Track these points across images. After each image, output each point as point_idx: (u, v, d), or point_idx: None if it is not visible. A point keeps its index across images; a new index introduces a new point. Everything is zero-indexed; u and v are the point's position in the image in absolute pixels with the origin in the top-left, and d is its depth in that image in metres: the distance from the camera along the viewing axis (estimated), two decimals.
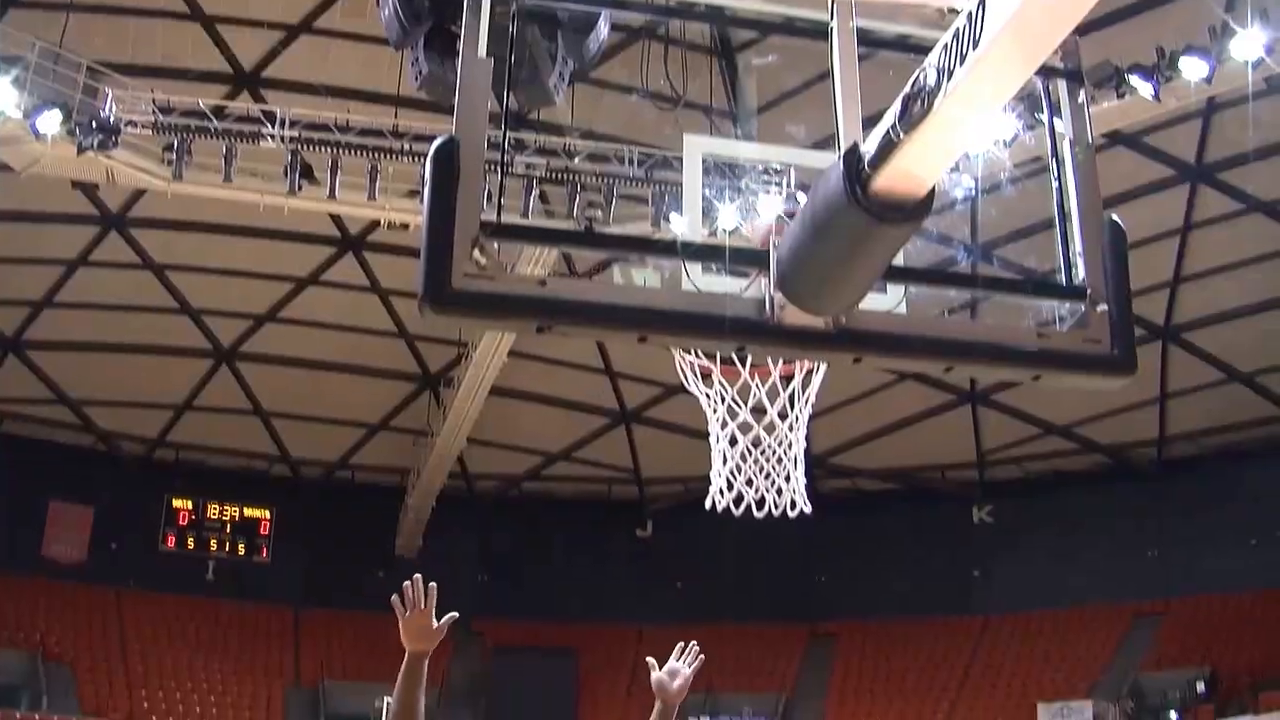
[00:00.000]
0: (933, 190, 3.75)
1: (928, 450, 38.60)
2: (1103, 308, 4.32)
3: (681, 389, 34.12)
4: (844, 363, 4.39)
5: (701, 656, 5.26)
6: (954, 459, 39.31)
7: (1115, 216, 4.49)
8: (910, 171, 3.70)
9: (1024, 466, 39.06)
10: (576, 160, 24.59)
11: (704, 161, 4.63)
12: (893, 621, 38.70)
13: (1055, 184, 4.54)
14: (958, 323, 4.41)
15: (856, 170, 3.74)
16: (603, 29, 12.03)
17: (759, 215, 4.44)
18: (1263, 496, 34.38)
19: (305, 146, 23.97)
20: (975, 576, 38.68)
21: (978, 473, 39.46)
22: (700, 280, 4.17)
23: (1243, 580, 34.77)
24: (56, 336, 34.54)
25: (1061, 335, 4.34)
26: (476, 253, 3.91)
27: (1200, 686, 31.65)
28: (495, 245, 3.99)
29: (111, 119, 22.91)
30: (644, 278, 4.38)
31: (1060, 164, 4.52)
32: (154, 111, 23.46)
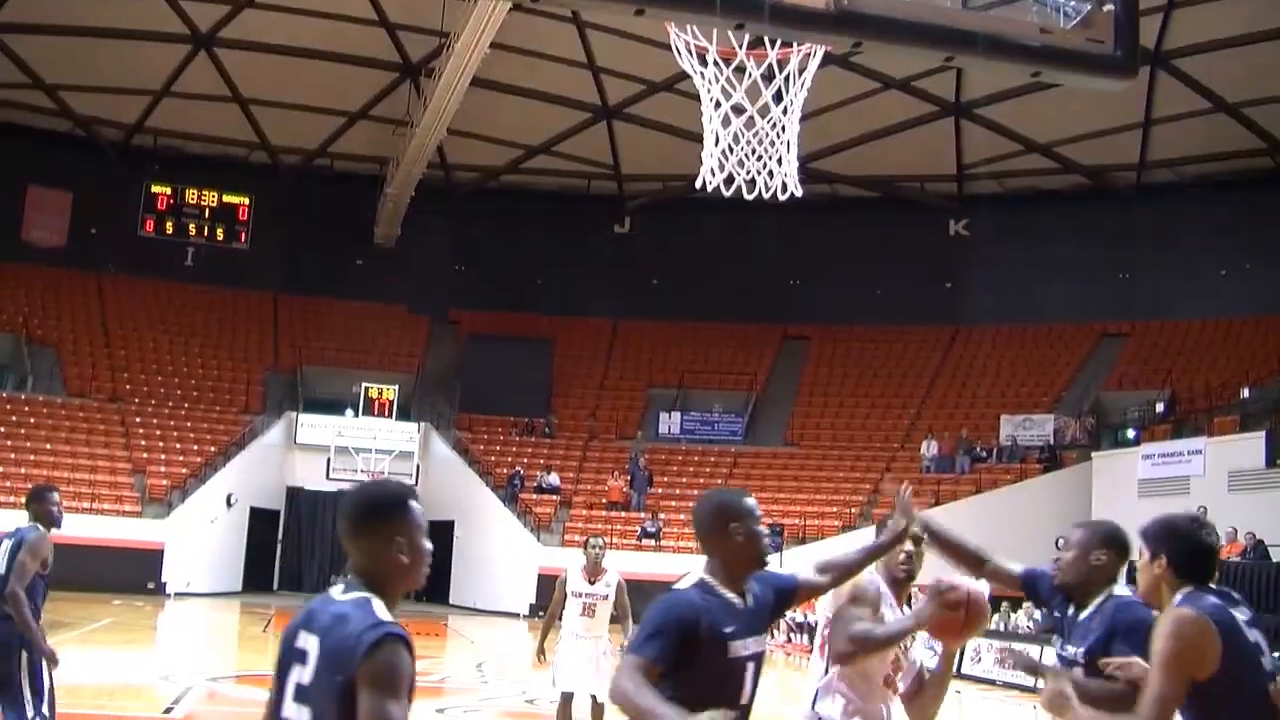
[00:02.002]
0: None
1: (908, 161, 38.52)
2: (1109, 7, 4.31)
3: (665, 86, 33.77)
4: (843, 46, 4.38)
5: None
6: (934, 171, 39.33)
7: None
8: None
9: (1003, 183, 39.10)
10: None
11: None
12: (864, 327, 39.34)
13: None
14: (961, 12, 4.39)
15: None
16: None
17: None
18: (1236, 227, 34.64)
19: None
20: (948, 288, 39.11)
21: (956, 186, 39.56)
22: None
23: (1208, 308, 35.33)
24: (31, 19, 33.75)
25: (1064, 33, 4.34)
26: None
27: (1159, 407, 32.40)
28: None
29: None
30: None
31: None
32: None
